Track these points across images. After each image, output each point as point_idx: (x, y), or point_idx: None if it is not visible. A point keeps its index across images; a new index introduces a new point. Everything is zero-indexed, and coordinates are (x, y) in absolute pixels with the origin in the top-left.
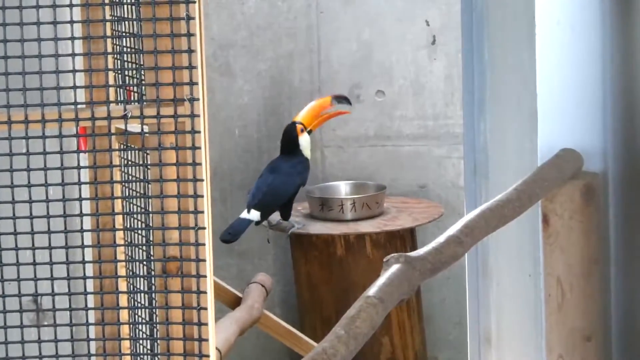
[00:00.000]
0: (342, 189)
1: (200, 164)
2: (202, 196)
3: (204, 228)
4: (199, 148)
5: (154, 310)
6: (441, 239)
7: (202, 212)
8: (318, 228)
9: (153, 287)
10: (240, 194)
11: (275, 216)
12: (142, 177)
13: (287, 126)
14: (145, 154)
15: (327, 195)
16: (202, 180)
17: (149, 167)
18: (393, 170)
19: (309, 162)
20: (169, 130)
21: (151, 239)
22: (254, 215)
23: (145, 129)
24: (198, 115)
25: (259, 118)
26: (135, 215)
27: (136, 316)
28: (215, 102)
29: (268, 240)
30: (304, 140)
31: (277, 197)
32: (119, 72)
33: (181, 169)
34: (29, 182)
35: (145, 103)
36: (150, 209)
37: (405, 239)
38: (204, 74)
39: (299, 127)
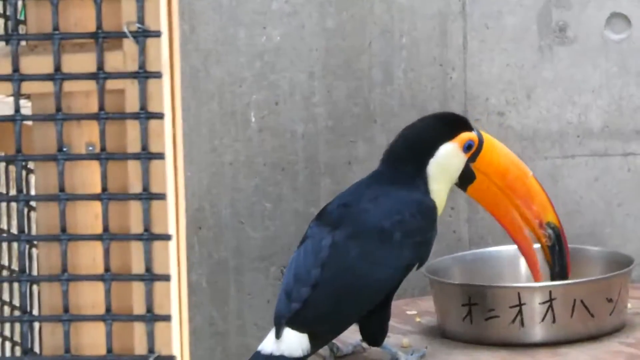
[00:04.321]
0: (520, 263)
1: (161, 197)
2: (166, 279)
3: (171, 359)
4: (161, 158)
5: None
6: None
7: (168, 318)
8: None
9: None
10: (260, 277)
11: (347, 336)
12: (20, 226)
13: (443, 112)
14: (23, 168)
15: (482, 281)
16: (168, 238)
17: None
18: None
19: (436, 210)
20: (83, 112)
21: None
22: (295, 343)
23: (26, 109)
24: (159, 76)
25: (307, 90)
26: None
27: None
28: (206, 53)
29: None
30: (450, 159)
31: (352, 296)
32: None
33: (115, 210)
34: None
35: (24, 43)
36: (37, 306)
37: None
38: None
39: (469, 134)
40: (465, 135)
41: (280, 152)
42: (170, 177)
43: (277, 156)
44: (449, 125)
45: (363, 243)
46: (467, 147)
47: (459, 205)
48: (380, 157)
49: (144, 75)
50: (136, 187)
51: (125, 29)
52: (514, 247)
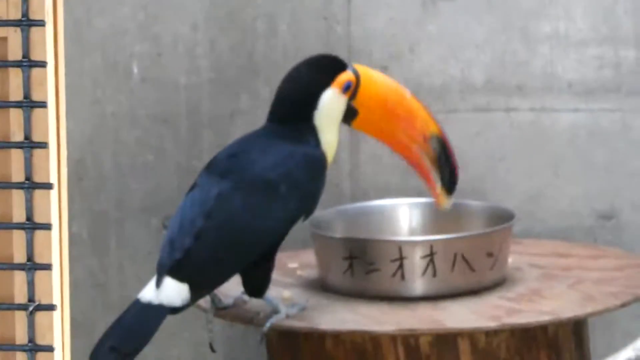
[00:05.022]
0: (402, 217)
1: (43, 146)
2: (47, 227)
3: (51, 307)
4: (43, 106)
5: None
6: None
7: (48, 267)
8: (342, 317)
9: None
10: (141, 229)
11: (229, 288)
12: None
13: (321, 55)
14: None
15: (364, 235)
16: (50, 187)
17: None
18: (529, 173)
19: (325, 162)
20: None
21: None
22: (174, 292)
23: None
24: (42, 24)
25: (190, 42)
26: None
27: None
28: (89, 3)
29: (212, 348)
30: (333, 106)
31: (235, 247)
32: None
33: None
34: None
35: None
36: None
37: (560, 348)
38: None
39: (345, 75)
40: (342, 78)
41: (163, 104)
42: (52, 126)
43: (159, 108)
44: (325, 70)
45: (248, 194)
46: (346, 88)
47: (341, 159)
48: (267, 115)
49: (26, 23)
50: (18, 136)
51: None
52: (396, 200)
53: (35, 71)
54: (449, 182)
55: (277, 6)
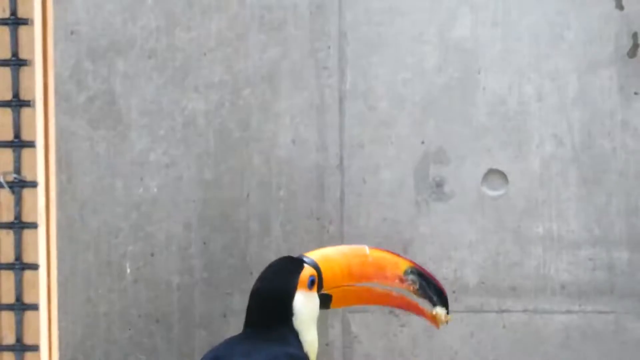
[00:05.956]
0: None
1: (34, 349)
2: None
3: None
4: (35, 309)
5: None
6: None
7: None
8: None
9: None
10: None
11: None
12: None
13: (279, 260)
14: None
15: None
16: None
17: None
18: None
19: None
20: None
21: None
22: None
23: None
24: (35, 226)
25: (183, 241)
26: None
27: None
28: (83, 202)
29: None
30: (307, 307)
31: None
32: None
33: None
34: None
35: None
36: None
37: None
38: None
39: (306, 273)
40: (304, 277)
41: (155, 303)
42: (44, 328)
43: (152, 307)
44: (288, 275)
45: None
46: (311, 284)
47: (333, 342)
48: (245, 323)
49: (19, 225)
50: (9, 339)
51: (1, 179)
52: None
53: (28, 273)
54: (441, 300)
55: (270, 206)
